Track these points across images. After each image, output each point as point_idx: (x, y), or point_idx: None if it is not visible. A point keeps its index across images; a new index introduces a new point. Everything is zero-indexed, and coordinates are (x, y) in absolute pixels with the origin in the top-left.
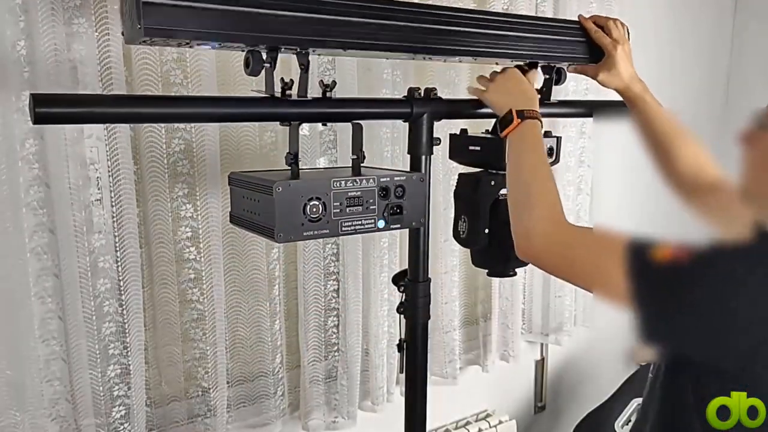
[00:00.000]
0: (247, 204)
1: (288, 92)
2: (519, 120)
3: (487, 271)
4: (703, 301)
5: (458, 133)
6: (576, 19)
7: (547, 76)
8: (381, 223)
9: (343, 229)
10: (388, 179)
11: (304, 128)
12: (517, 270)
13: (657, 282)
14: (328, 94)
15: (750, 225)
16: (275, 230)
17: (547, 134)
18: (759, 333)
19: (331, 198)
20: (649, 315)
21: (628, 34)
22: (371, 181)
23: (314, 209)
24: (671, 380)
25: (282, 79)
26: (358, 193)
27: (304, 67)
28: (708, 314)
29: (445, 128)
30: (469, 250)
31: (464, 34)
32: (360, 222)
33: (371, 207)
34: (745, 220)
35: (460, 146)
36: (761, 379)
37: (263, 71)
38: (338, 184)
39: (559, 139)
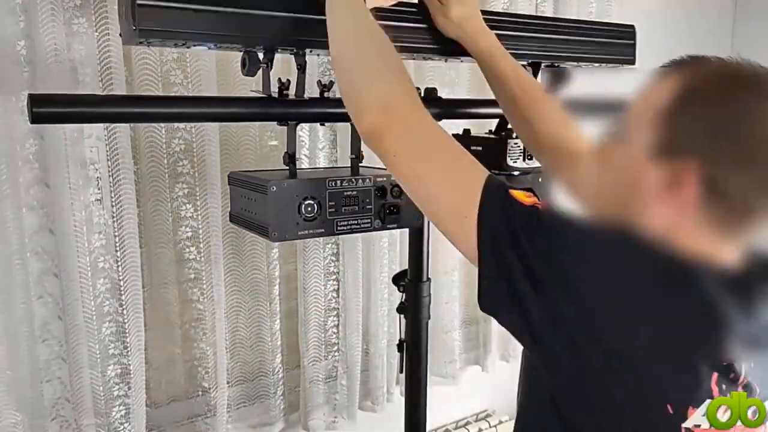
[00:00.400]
0: (244, 203)
1: (285, 92)
2: None
3: None
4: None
5: (461, 133)
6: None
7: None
8: (377, 223)
9: (339, 228)
10: (385, 179)
11: (304, 128)
12: None
13: (507, 218)
14: (326, 94)
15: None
16: (270, 229)
17: None
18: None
19: (326, 197)
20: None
21: None
22: (367, 180)
23: (309, 208)
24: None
25: (279, 79)
26: (354, 192)
27: (301, 68)
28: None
29: (448, 128)
30: None
31: None
32: (356, 221)
33: (367, 207)
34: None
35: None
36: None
37: (260, 71)
38: (333, 184)
39: None
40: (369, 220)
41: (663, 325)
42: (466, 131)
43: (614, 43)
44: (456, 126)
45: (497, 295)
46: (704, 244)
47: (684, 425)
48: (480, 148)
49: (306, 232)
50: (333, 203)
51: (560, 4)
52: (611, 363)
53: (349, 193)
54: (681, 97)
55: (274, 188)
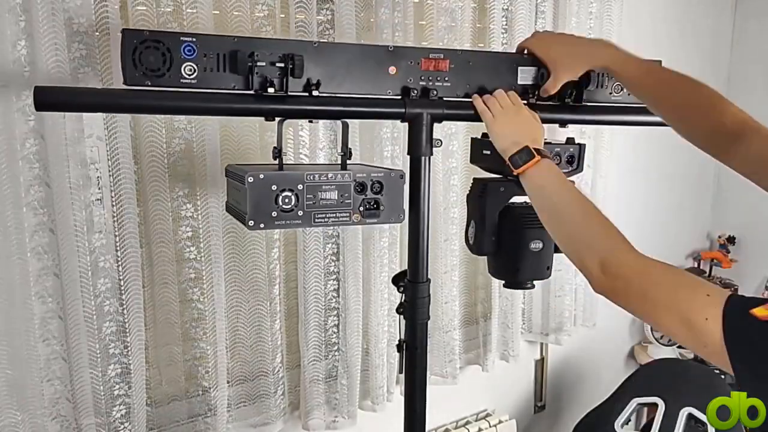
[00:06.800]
0: (233, 193)
1: (271, 89)
2: (539, 158)
3: (503, 282)
4: None
5: (479, 136)
6: None
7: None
8: (356, 217)
9: (316, 220)
10: (365, 175)
11: (304, 128)
12: (535, 283)
13: (756, 337)
14: (313, 93)
15: None
16: (246, 217)
17: (570, 141)
18: None
19: (303, 190)
20: (748, 373)
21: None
22: (347, 176)
23: (286, 200)
24: None
25: (266, 76)
26: (332, 186)
27: (285, 65)
28: None
29: (449, 128)
30: (470, 251)
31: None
32: (334, 215)
33: (347, 201)
34: None
35: (477, 150)
36: None
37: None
38: (311, 177)
39: (582, 146)
40: (347, 214)
41: None
42: (485, 135)
43: None
44: (457, 126)
45: None
46: None
47: None
48: (489, 152)
49: (283, 222)
50: (311, 196)
51: (560, 4)
52: None
53: (327, 186)
54: None
55: (251, 179)
